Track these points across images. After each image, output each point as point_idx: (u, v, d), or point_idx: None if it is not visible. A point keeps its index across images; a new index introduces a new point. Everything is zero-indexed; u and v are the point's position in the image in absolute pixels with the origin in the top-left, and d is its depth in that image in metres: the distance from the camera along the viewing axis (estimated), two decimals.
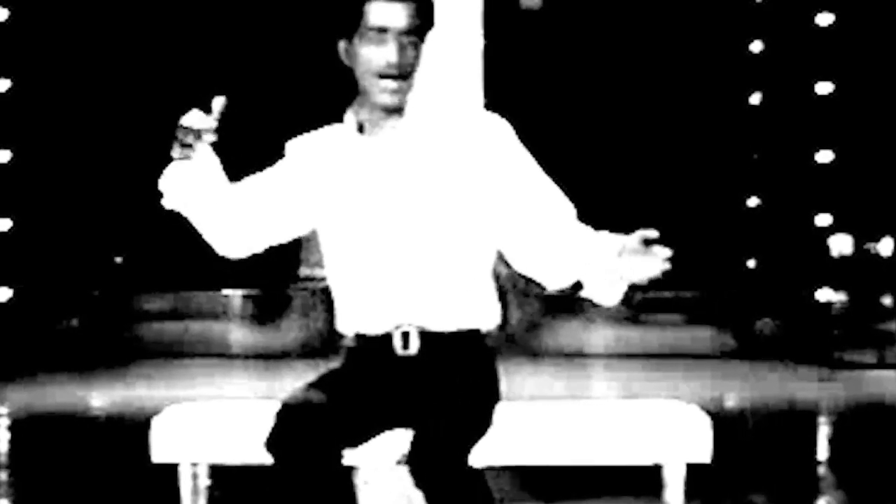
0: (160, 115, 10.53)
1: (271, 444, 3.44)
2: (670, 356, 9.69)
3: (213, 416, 3.68)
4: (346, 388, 3.59)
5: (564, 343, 9.84)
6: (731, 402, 8.17)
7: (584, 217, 3.56)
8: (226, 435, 3.64)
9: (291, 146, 3.66)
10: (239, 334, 10.08)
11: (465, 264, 3.62)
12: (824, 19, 9.87)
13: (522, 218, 3.60)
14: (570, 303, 10.24)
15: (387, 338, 3.60)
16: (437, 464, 3.47)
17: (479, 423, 3.54)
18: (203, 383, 8.55)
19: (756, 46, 10.19)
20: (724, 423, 6.85)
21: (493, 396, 3.58)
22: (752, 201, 10.30)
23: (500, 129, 3.61)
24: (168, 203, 3.72)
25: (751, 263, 10.32)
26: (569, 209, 3.60)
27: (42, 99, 9.75)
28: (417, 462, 3.46)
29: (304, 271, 10.75)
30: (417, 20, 3.50)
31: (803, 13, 9.91)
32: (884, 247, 9.90)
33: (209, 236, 3.77)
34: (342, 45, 3.52)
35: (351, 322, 3.65)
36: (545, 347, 9.93)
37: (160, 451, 3.63)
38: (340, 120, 3.58)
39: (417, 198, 3.57)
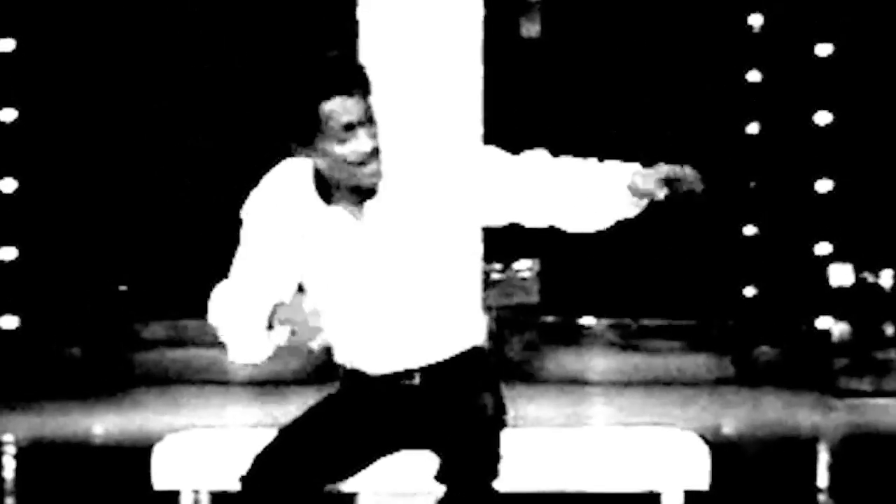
0: (165, 146, 10.55)
1: (245, 481, 3.47)
2: (669, 383, 9.68)
3: (214, 444, 3.70)
4: (346, 413, 3.65)
5: (563, 370, 9.82)
6: (729, 429, 8.16)
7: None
8: (227, 462, 3.66)
9: (252, 212, 3.67)
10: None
11: (453, 291, 3.67)
12: (823, 49, 9.88)
13: (521, 191, 3.60)
14: (569, 330, 10.24)
15: (388, 376, 3.65)
16: (470, 486, 3.48)
17: (495, 439, 3.56)
18: (204, 410, 8.58)
19: (754, 76, 10.18)
20: (723, 451, 6.86)
21: (501, 407, 3.64)
22: (750, 230, 10.24)
23: (446, 152, 3.64)
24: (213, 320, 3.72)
25: (750, 291, 10.27)
26: (542, 155, 3.62)
27: (47, 129, 9.76)
28: (450, 486, 3.47)
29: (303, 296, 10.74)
30: (369, 102, 3.53)
31: (802, 43, 9.91)
32: (884, 277, 9.88)
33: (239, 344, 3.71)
34: (297, 148, 3.54)
35: (349, 361, 3.69)
36: (544, 374, 9.93)
37: (162, 477, 3.65)
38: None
39: (396, 251, 3.62)
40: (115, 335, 9.99)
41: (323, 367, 9.81)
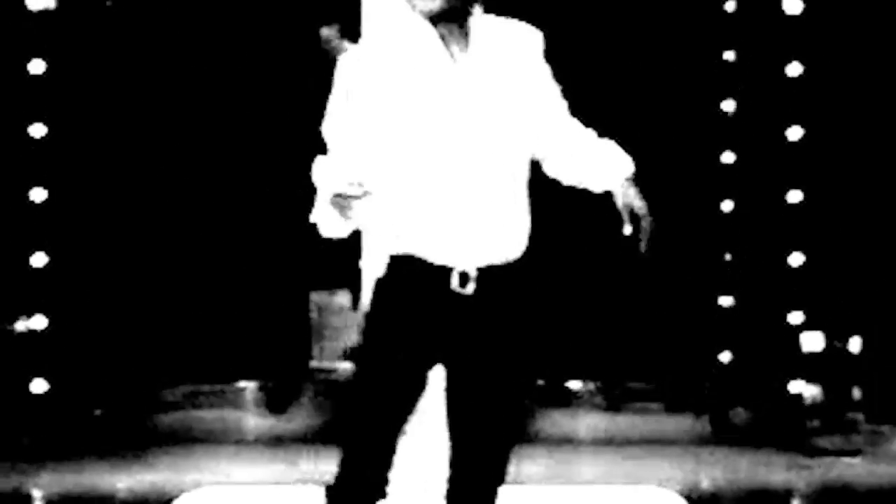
0: (182, 221, 10.48)
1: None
2: (651, 442, 9.63)
3: (229, 500, 3.71)
4: (400, 327, 3.38)
5: (552, 430, 9.77)
6: (706, 486, 8.13)
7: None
8: None
9: (360, 56, 3.38)
10: (253, 422, 10.01)
11: (518, 187, 3.48)
12: (794, 133, 9.89)
13: (554, 129, 3.56)
14: (558, 393, 10.21)
15: (443, 271, 3.42)
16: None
17: (525, 370, 3.43)
18: (217, 468, 8.46)
19: (728, 157, 10.21)
20: None
21: (536, 330, 3.47)
22: (727, 300, 10.20)
23: (538, 42, 3.53)
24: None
25: (726, 357, 10.26)
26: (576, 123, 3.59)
27: (76, 208, 9.60)
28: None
29: (314, 364, 10.74)
30: None
31: (774, 128, 9.93)
32: (852, 344, 9.85)
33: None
34: None
35: (408, 243, 3.42)
36: (534, 434, 9.88)
37: None
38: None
39: (488, 118, 3.41)
40: (137, 398, 9.95)
41: (329, 427, 9.82)
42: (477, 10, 3.41)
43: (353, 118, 3.36)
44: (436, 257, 3.37)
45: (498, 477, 3.44)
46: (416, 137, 3.36)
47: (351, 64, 3.37)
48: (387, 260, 3.41)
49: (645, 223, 3.51)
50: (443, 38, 3.41)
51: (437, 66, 3.38)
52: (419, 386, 3.42)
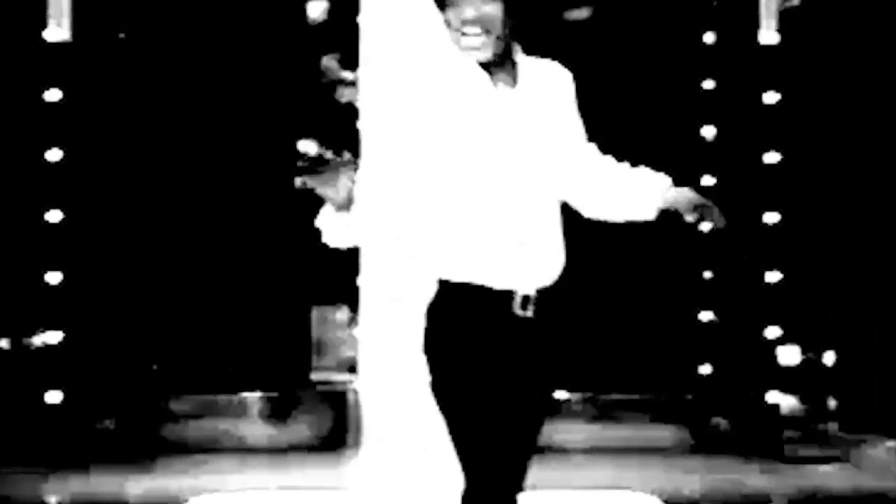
0: (189, 239, 10.47)
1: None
2: (634, 451, 9.60)
3: None
4: (478, 355, 3.34)
5: (541, 439, 9.66)
6: (688, 492, 8.11)
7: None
8: None
9: (426, 77, 3.40)
10: (256, 431, 10.00)
11: (558, 214, 3.52)
12: (771, 157, 9.81)
13: (579, 163, 3.56)
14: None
15: (505, 296, 3.40)
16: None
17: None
18: (222, 476, 8.50)
19: (708, 180, 10.12)
20: None
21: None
22: (707, 315, 10.20)
23: (571, 81, 3.58)
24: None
25: (706, 370, 10.20)
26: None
27: (91, 230, 9.60)
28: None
29: (315, 376, 10.73)
30: None
31: (752, 152, 9.82)
32: (827, 357, 9.75)
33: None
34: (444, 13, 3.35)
35: (466, 271, 3.39)
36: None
37: None
38: None
39: (536, 148, 3.45)
40: (146, 409, 9.97)
41: (331, 436, 9.82)
42: (518, 51, 3.50)
43: (411, 154, 3.38)
44: (497, 283, 3.38)
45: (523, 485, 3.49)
46: (473, 170, 3.40)
47: (406, 103, 3.41)
48: (440, 287, 3.41)
49: (711, 212, 3.54)
50: (492, 76, 3.47)
51: (490, 102, 3.44)
52: (513, 405, 3.45)
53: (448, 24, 3.36)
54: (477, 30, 3.34)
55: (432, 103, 3.38)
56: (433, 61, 3.41)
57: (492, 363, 3.36)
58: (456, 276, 3.37)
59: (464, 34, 3.36)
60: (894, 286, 9.33)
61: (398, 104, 3.38)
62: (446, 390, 3.35)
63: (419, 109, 3.37)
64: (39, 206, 9.38)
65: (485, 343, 3.36)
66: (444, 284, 3.39)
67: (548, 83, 3.53)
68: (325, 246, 3.40)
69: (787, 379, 9.72)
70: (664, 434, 9.90)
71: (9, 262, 9.46)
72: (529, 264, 3.40)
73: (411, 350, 7.35)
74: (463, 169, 3.39)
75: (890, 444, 9.17)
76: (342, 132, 8.89)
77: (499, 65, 3.44)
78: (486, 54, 3.39)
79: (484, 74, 3.44)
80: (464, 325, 3.36)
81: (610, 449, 9.70)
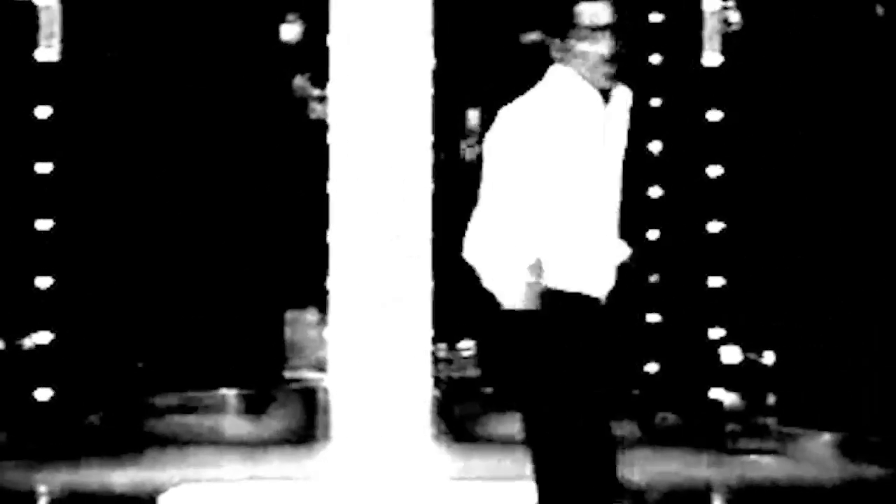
0: (175, 237, 10.44)
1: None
2: None
3: (210, 495, 3.78)
4: (590, 349, 3.48)
5: (501, 432, 9.64)
6: (636, 483, 8.14)
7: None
8: None
9: (529, 121, 3.44)
10: (233, 426, 10.03)
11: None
12: (714, 171, 9.86)
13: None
14: (504, 399, 10.05)
15: (595, 301, 3.52)
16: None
17: None
18: (202, 468, 8.47)
19: (655, 191, 10.18)
20: (632, 502, 6.89)
21: None
22: (654, 317, 10.24)
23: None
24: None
25: (653, 368, 10.24)
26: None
27: (83, 237, 9.59)
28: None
29: (288, 374, 10.74)
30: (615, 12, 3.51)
31: (696, 165, 9.88)
32: (766, 357, 9.81)
33: None
34: (551, 41, 3.47)
35: (575, 281, 3.48)
36: (485, 435, 9.83)
37: None
38: None
39: (618, 167, 3.62)
40: (130, 405, 9.99)
41: (303, 430, 9.81)
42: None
43: (545, 177, 3.50)
44: (594, 290, 3.56)
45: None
46: (588, 189, 3.55)
47: (533, 129, 3.51)
48: (552, 297, 3.49)
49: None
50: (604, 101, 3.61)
51: (600, 128, 3.59)
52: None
53: (581, 54, 3.48)
54: (614, 66, 3.52)
55: (566, 133, 3.52)
56: (561, 94, 3.49)
57: (601, 362, 3.60)
58: (564, 286, 3.51)
59: (606, 70, 3.51)
60: (829, 291, 9.40)
61: (530, 139, 3.48)
62: (572, 388, 3.52)
63: (555, 143, 3.50)
64: (30, 215, 9.40)
65: (593, 340, 3.57)
66: (551, 293, 3.51)
67: (619, 105, 3.67)
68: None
69: (729, 377, 9.74)
70: (613, 429, 9.84)
71: (1, 268, 9.46)
72: (611, 275, 3.61)
73: (380, 349, 7.43)
74: (584, 192, 3.55)
75: (825, 437, 9.27)
76: (314, 146, 8.91)
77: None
78: (608, 83, 3.57)
79: (601, 105, 3.59)
80: (582, 329, 3.54)
81: None
